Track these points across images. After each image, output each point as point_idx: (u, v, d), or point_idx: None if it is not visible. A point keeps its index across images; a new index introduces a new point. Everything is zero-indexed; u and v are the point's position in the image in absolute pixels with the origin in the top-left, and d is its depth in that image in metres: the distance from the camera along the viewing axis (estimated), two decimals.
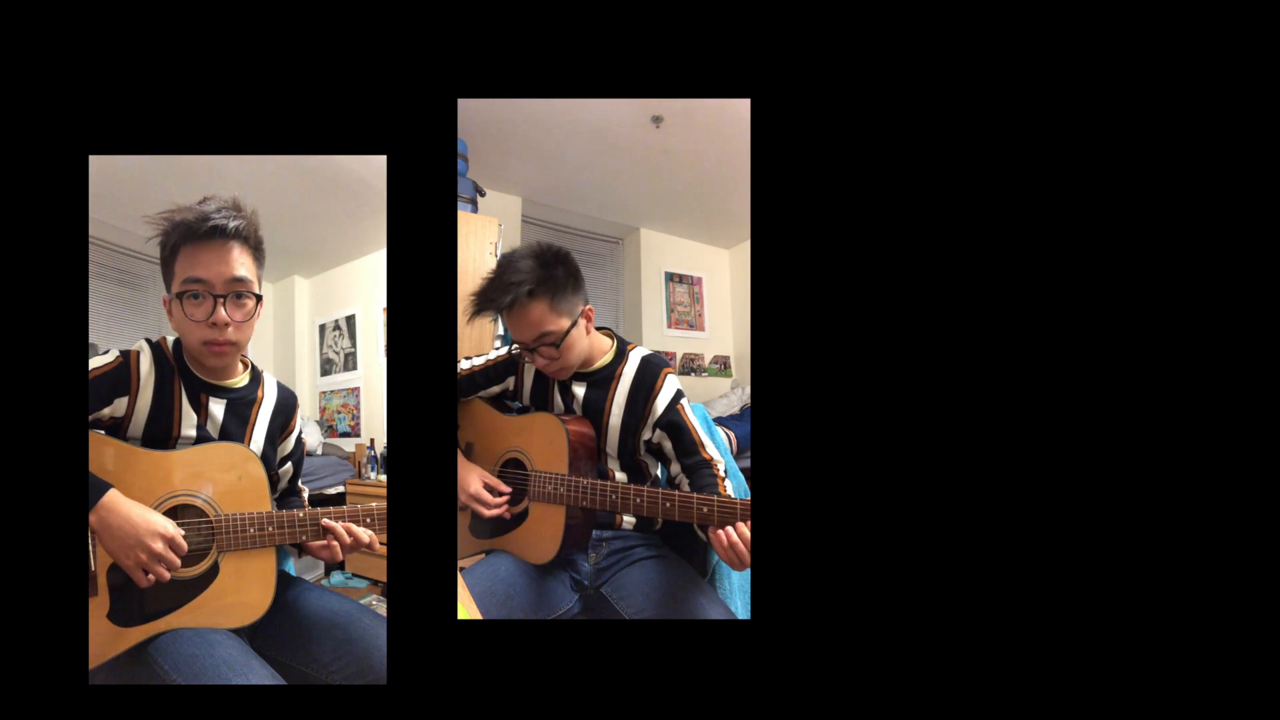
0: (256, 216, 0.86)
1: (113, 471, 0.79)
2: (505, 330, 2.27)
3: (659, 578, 0.94)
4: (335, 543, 0.85)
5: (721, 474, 0.98)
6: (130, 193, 2.57)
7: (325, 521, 0.84)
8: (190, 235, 0.82)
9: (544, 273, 0.93)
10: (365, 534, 0.86)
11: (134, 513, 0.76)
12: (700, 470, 0.98)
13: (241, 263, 0.84)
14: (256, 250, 0.87)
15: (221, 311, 0.82)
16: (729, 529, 0.82)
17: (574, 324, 0.96)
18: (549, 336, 0.94)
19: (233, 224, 0.82)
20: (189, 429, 0.85)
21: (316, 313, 3.70)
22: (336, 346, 3.57)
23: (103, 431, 0.82)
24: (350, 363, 3.49)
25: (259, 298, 0.86)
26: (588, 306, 0.99)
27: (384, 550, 0.80)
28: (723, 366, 3.94)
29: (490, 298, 0.95)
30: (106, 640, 0.77)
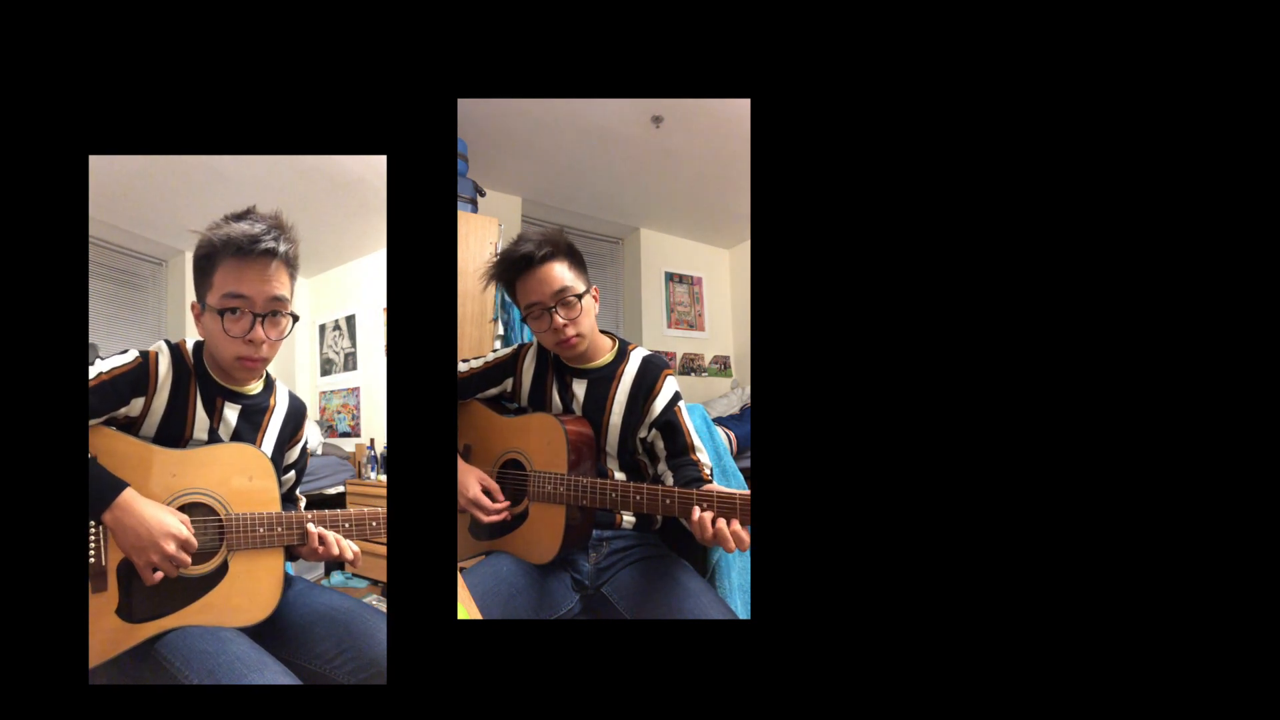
0: (297, 234, 0.87)
1: (127, 467, 0.79)
2: (505, 330, 2.27)
3: (659, 578, 0.94)
4: (321, 548, 0.86)
5: (707, 475, 0.98)
6: (130, 193, 2.57)
7: (310, 529, 0.85)
8: (237, 252, 0.81)
9: (562, 240, 1.00)
10: (350, 551, 0.87)
11: (148, 513, 0.77)
12: (685, 468, 0.99)
13: (282, 283, 0.85)
14: (294, 269, 0.87)
15: (260, 329, 0.83)
16: (705, 512, 0.83)
17: (587, 291, 1.00)
18: (568, 292, 0.97)
19: (283, 248, 0.83)
20: (201, 433, 0.86)
21: (316, 313, 3.70)
22: (336, 346, 3.57)
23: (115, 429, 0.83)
24: (350, 363, 3.49)
25: (295, 318, 0.87)
26: (594, 287, 1.03)
27: (384, 551, 0.80)
28: (723, 366, 3.94)
29: (510, 261, 0.99)
30: (114, 636, 0.77)
